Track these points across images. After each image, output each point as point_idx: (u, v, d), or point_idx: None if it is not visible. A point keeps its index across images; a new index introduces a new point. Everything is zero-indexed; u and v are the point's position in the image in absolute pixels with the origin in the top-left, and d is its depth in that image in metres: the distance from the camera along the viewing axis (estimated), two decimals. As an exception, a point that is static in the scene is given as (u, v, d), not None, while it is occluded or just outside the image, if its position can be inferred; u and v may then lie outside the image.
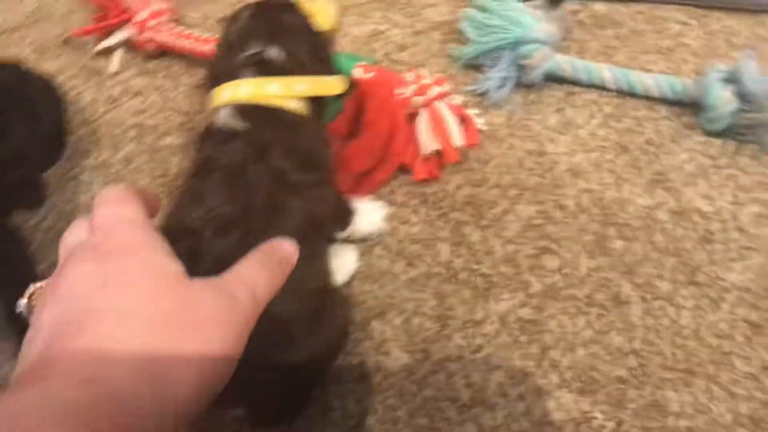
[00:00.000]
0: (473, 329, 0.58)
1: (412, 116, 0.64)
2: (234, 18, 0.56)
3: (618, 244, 0.61)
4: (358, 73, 0.64)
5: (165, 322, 0.29)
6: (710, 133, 0.65)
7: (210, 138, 0.49)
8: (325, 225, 0.54)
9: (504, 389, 0.56)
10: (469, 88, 0.69)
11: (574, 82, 0.68)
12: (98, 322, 0.29)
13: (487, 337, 0.58)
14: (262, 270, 0.35)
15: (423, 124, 0.63)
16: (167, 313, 0.30)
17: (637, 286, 0.59)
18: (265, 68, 0.51)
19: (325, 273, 0.52)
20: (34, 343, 0.29)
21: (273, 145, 0.47)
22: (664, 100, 0.67)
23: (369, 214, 0.62)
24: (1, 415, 0.24)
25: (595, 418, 0.54)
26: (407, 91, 0.63)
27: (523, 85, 0.68)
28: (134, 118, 0.71)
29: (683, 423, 0.53)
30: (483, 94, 0.68)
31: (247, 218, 0.44)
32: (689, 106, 0.66)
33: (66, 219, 0.64)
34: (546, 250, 0.61)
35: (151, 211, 0.34)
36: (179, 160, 0.67)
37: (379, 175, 0.63)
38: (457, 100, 0.67)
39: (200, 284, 0.32)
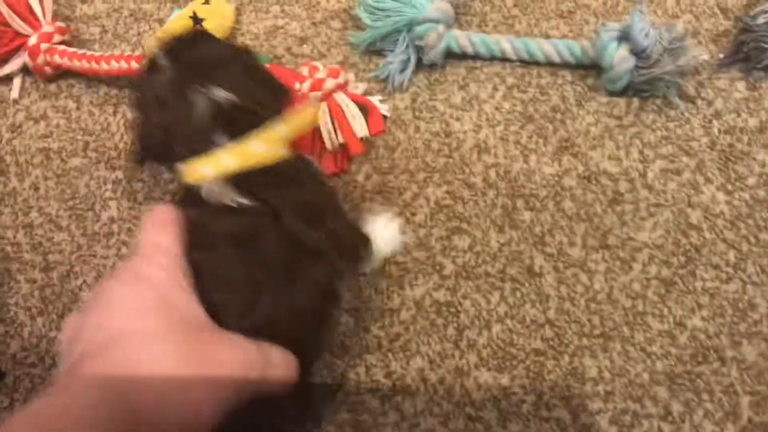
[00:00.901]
0: (390, 318, 0.58)
1: (313, 111, 0.63)
2: (151, 68, 0.47)
3: (527, 215, 0.60)
4: (251, 74, 0.63)
5: (186, 354, 0.33)
6: (614, 93, 0.65)
7: (198, 206, 0.43)
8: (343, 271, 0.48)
9: (423, 374, 0.55)
10: (372, 74, 0.68)
11: (476, 57, 0.68)
12: (126, 342, 0.32)
13: (404, 324, 0.57)
14: (275, 366, 0.38)
15: (324, 119, 0.62)
16: (189, 345, 0.34)
17: (548, 255, 0.59)
18: (233, 123, 0.43)
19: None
20: (69, 355, 0.34)
21: (282, 209, 0.42)
22: (567, 65, 0.66)
23: (383, 232, 0.55)
24: (28, 419, 0.29)
25: (515, 393, 0.54)
26: (303, 87, 0.62)
27: (425, 66, 0.67)
28: (39, 142, 0.69)
29: (602, 388, 0.54)
30: (386, 79, 0.67)
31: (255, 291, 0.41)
32: (593, 68, 0.66)
33: (-24, 254, 0.63)
34: (457, 230, 0.60)
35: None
36: (87, 180, 0.66)
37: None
38: (359, 88, 0.66)
39: (220, 333, 0.37)
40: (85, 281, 0.62)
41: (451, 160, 0.63)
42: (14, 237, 0.65)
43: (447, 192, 0.62)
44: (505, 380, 0.55)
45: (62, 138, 0.69)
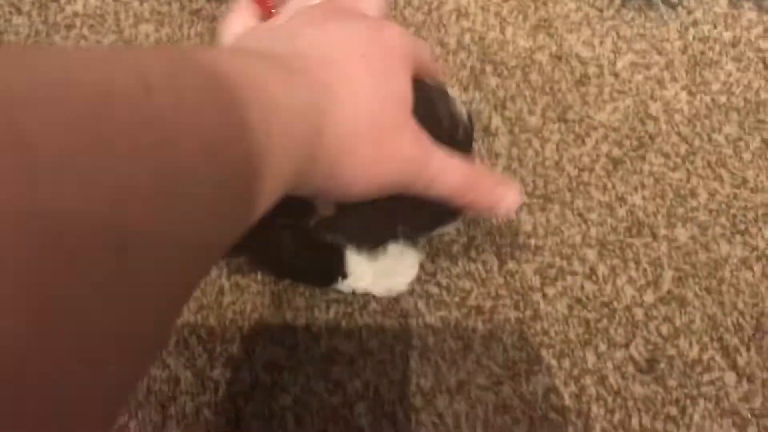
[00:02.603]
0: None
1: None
2: None
3: (493, 80, 0.60)
4: None
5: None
6: (599, -13, 0.65)
7: None
8: None
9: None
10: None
11: (472, -69, 0.67)
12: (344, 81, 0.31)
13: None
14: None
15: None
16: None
17: (506, 119, 0.59)
18: None
19: None
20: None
21: None
22: (558, -46, 0.66)
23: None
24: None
25: (448, 234, 0.54)
26: None
27: (420, -71, 0.67)
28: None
29: (533, 242, 0.54)
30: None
31: None
32: (583, -38, 0.66)
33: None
34: (421, 81, 0.60)
35: None
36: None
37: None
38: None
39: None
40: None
41: (429, 19, 0.63)
42: (-28, 13, 0.63)
43: (419, 46, 0.61)
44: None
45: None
